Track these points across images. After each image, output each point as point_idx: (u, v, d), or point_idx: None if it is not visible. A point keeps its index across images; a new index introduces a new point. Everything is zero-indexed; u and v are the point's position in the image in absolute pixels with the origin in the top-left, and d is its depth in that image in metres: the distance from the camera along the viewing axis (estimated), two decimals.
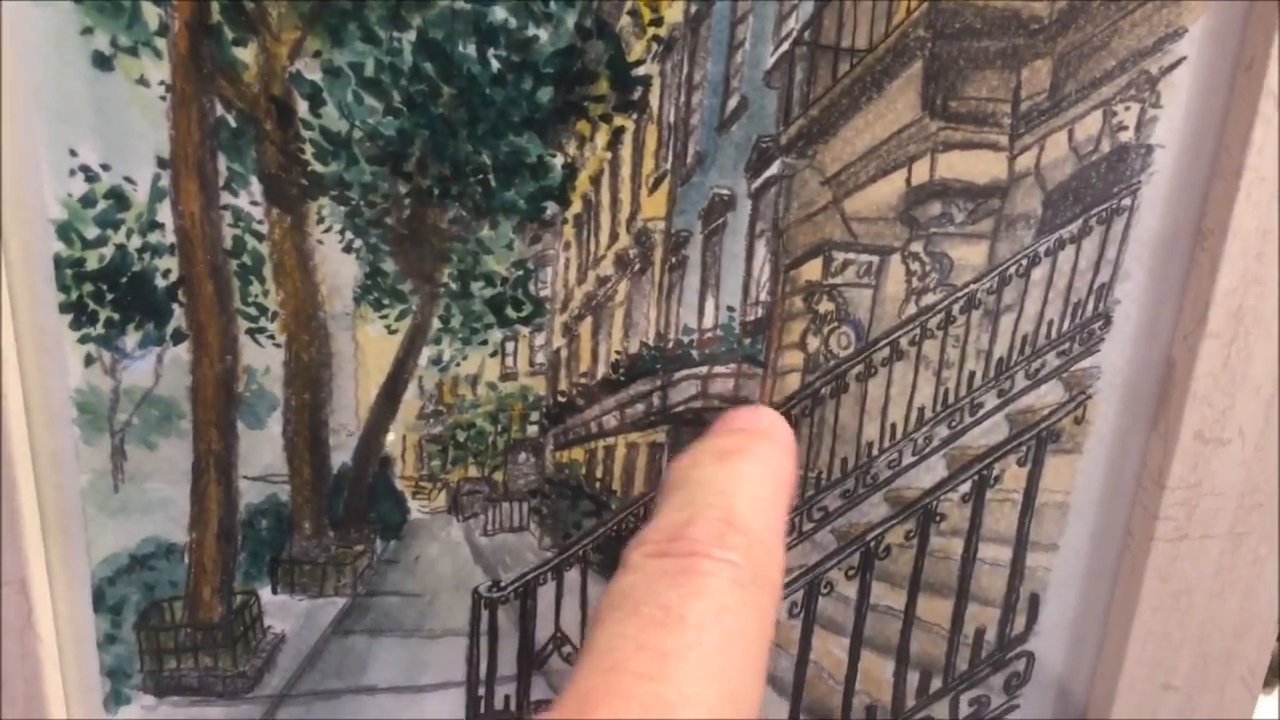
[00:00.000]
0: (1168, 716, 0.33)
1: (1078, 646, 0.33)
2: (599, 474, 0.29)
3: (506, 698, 0.31)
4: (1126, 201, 0.28)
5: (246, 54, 0.24)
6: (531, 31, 0.25)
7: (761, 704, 0.22)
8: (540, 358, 0.28)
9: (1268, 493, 0.30)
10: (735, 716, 0.20)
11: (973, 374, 0.29)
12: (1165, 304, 0.29)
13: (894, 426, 0.30)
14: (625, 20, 0.25)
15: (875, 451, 0.30)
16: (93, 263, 0.25)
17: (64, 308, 0.25)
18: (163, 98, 0.24)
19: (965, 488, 0.31)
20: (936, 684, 0.33)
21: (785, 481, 0.24)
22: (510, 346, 0.28)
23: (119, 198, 0.25)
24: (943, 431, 0.30)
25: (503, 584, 0.30)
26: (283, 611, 0.29)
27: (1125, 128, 0.27)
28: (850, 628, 0.32)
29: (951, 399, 0.29)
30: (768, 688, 0.32)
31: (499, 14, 0.24)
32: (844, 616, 0.32)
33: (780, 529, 0.24)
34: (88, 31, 0.23)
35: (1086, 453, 0.31)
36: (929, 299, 0.28)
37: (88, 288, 0.25)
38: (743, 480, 0.23)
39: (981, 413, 0.30)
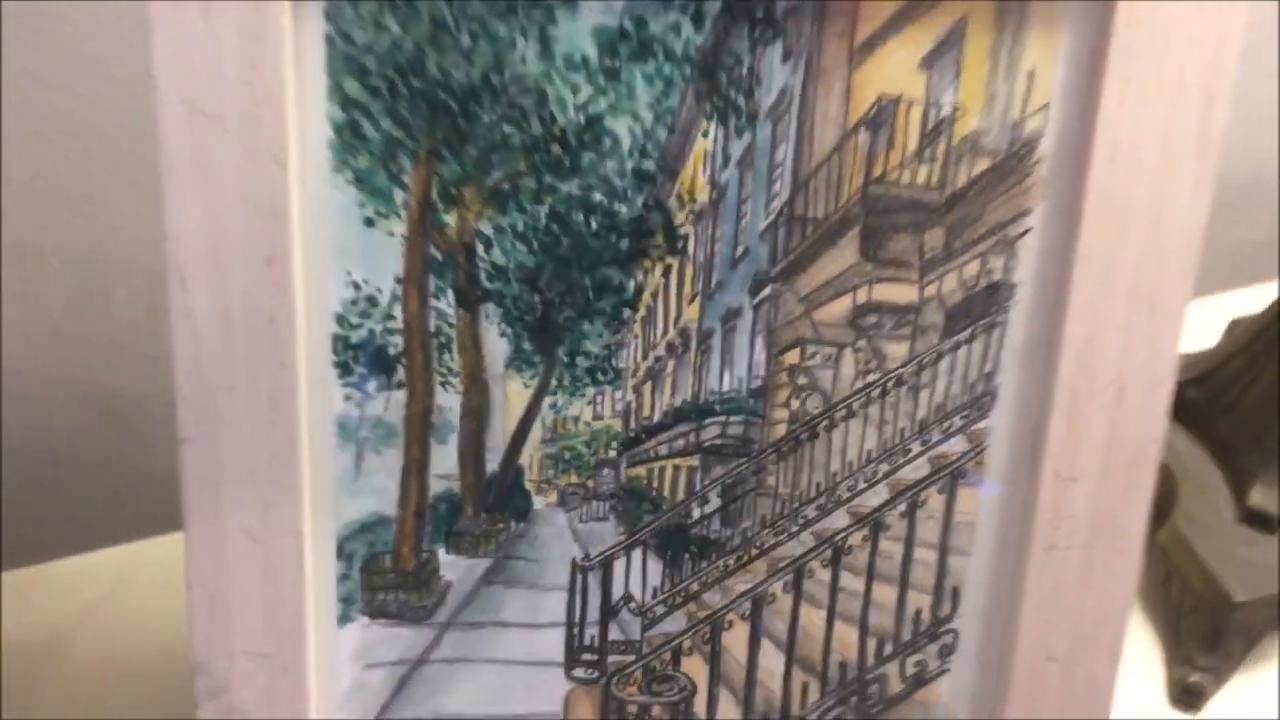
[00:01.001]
0: (1053, 682, 0.46)
1: (988, 627, 0.46)
2: (655, 484, 0.45)
3: (592, 636, 0.46)
4: (1001, 318, 0.43)
5: (450, 218, 0.41)
6: (617, 207, 0.41)
7: None
8: (618, 407, 0.44)
9: (1110, 516, 0.44)
10: None
11: (903, 428, 0.44)
12: (1031, 386, 0.43)
13: (851, 463, 0.44)
14: (673, 201, 0.41)
15: (839, 479, 0.45)
16: (354, 339, 0.42)
17: (335, 365, 0.42)
18: (400, 243, 0.41)
19: (902, 507, 0.45)
20: (889, 649, 0.47)
21: None
22: (600, 399, 0.44)
23: (371, 300, 0.42)
24: (884, 467, 0.45)
25: (591, 556, 0.45)
26: (451, 566, 0.45)
27: (995, 271, 0.42)
28: (827, 603, 0.46)
29: (889, 445, 0.44)
30: (768, 644, 0.47)
31: (597, 197, 0.41)
32: (822, 595, 0.46)
33: None
34: (362, 205, 0.41)
35: (985, 487, 0.45)
36: (871, 378, 0.43)
37: (350, 354, 0.42)
38: None
39: (910, 456, 0.44)
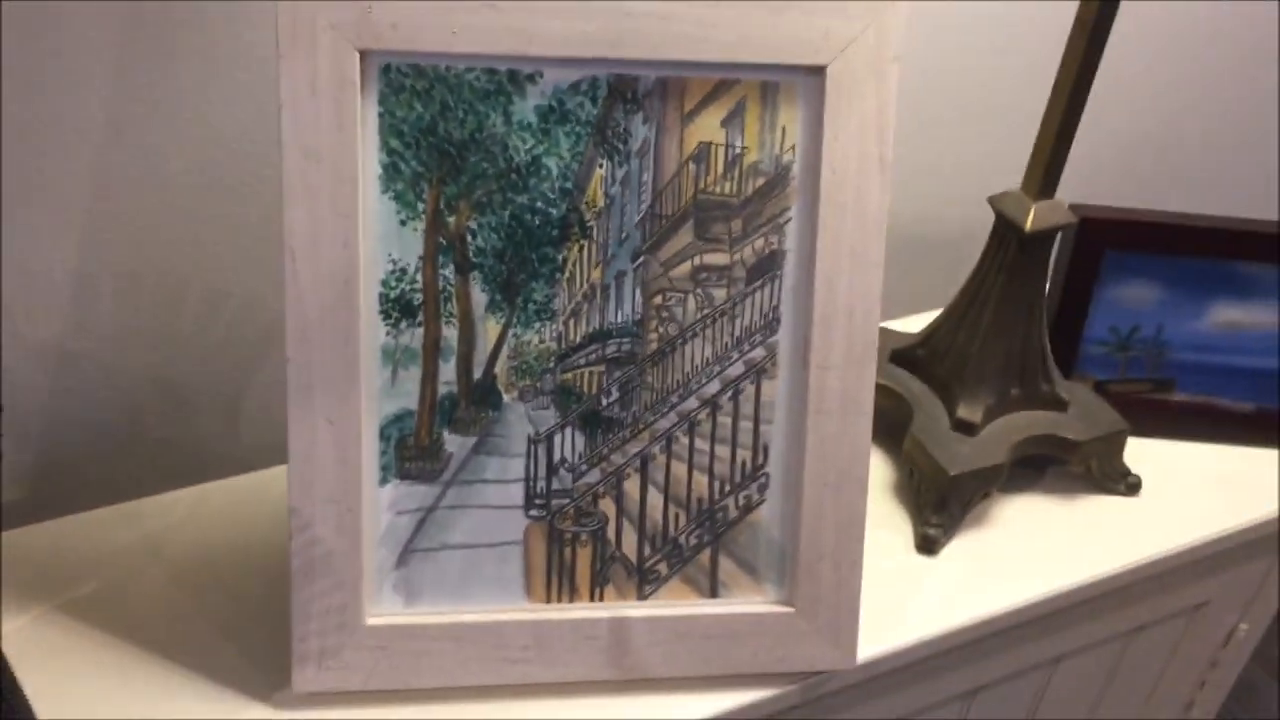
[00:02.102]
0: (828, 502, 0.74)
1: (787, 469, 0.74)
2: (579, 384, 0.72)
3: (541, 487, 0.73)
4: (779, 272, 0.72)
5: (451, 219, 0.69)
6: (551, 211, 0.69)
7: None
8: (554, 334, 0.71)
9: (854, 392, 0.73)
10: None
11: (726, 343, 0.73)
12: (800, 314, 0.72)
13: (696, 366, 0.73)
14: (584, 206, 0.70)
15: (690, 377, 0.73)
16: (392, 296, 0.69)
17: (379, 312, 0.69)
18: (421, 235, 0.68)
19: (729, 394, 0.73)
20: (727, 488, 0.74)
21: None
22: (543, 331, 0.71)
23: (403, 271, 0.69)
24: (716, 368, 0.73)
25: (540, 433, 0.72)
26: (452, 442, 0.71)
27: (773, 244, 0.72)
28: (687, 459, 0.74)
29: (719, 354, 0.73)
30: (652, 488, 0.74)
31: (540, 204, 0.69)
32: (684, 454, 0.74)
33: None
34: (399, 212, 0.68)
35: (779, 378, 0.74)
36: (705, 312, 0.72)
37: (389, 305, 0.69)
38: None
39: (731, 361, 0.73)
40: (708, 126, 0.70)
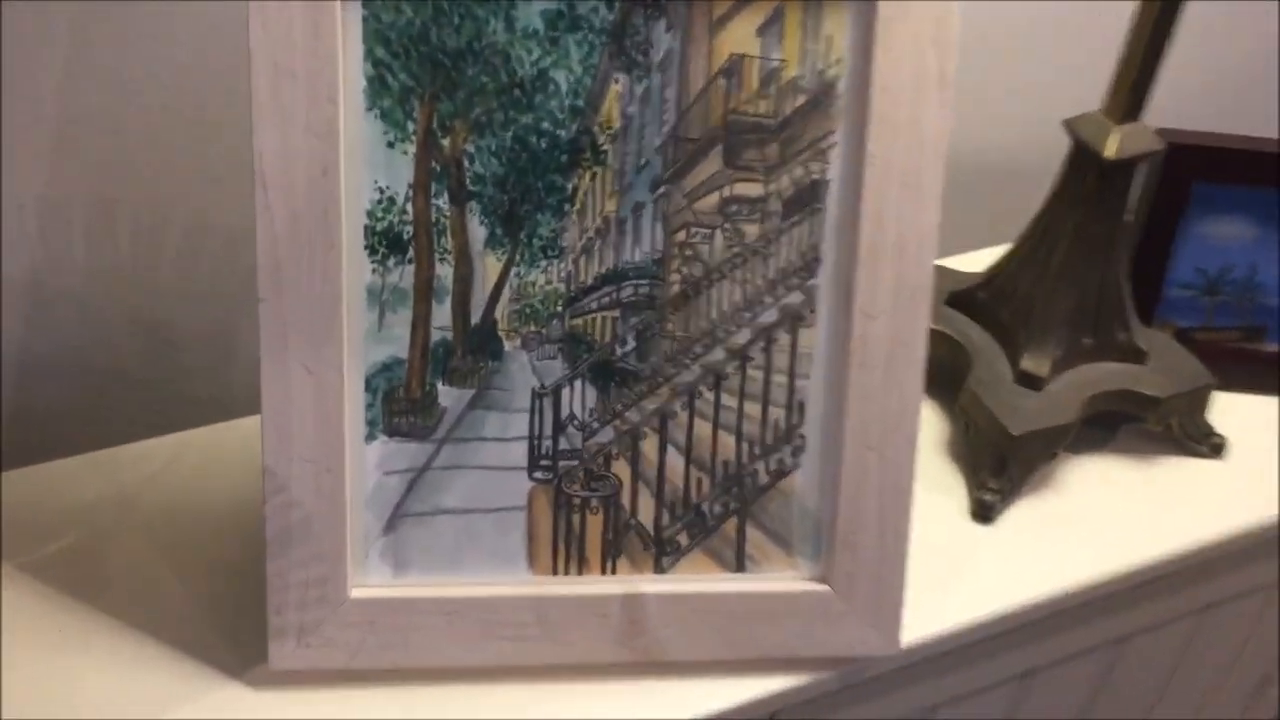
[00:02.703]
0: (871, 466, 0.66)
1: (825, 430, 0.66)
2: (589, 331, 0.64)
3: (547, 446, 0.65)
4: (819, 206, 0.63)
5: (446, 141, 0.60)
6: (559, 132, 0.61)
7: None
8: (563, 274, 0.63)
9: (903, 342, 0.64)
10: None
11: (759, 286, 0.64)
12: (843, 252, 0.63)
13: (724, 312, 0.64)
14: (596, 128, 0.61)
15: (716, 324, 0.64)
16: (379, 228, 0.60)
17: (365, 247, 0.61)
18: (411, 159, 0.60)
19: (761, 344, 0.65)
20: (757, 451, 0.66)
21: None
22: (550, 270, 0.63)
23: (391, 200, 0.60)
24: (748, 315, 0.64)
25: (545, 386, 0.64)
26: (446, 395, 0.63)
27: (815, 173, 0.62)
28: (712, 418, 0.66)
29: (750, 299, 0.64)
30: (672, 449, 0.66)
31: (546, 125, 0.60)
32: (709, 411, 0.65)
33: None
34: (386, 133, 0.59)
35: (818, 327, 0.65)
36: (735, 250, 0.63)
37: (375, 239, 0.61)
38: None
39: (765, 306, 0.64)
40: (741, 36, 0.60)
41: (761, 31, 0.60)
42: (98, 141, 0.73)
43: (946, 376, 0.82)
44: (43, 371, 0.78)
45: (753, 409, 0.66)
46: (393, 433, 0.64)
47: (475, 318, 0.63)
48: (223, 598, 0.69)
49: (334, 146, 0.58)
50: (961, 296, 0.86)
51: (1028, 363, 0.81)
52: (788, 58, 0.61)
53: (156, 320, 0.80)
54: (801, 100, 0.61)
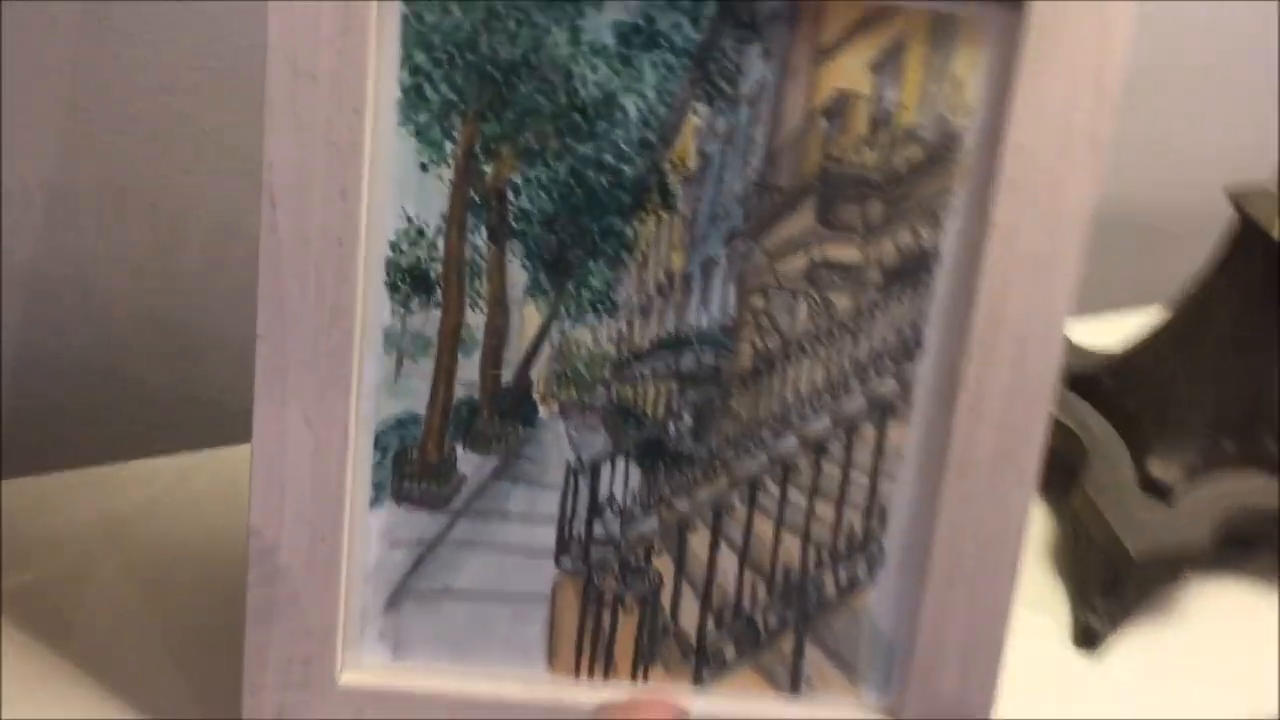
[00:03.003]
0: (961, 593, 0.55)
1: (909, 543, 0.56)
2: (640, 402, 0.54)
3: (579, 531, 0.55)
4: (927, 278, 0.52)
5: (489, 168, 0.51)
6: (623, 167, 0.51)
7: None
8: (613, 335, 0.53)
9: (1012, 450, 0.54)
10: None
11: (845, 368, 0.54)
12: (951, 337, 0.53)
13: (801, 394, 0.54)
14: (668, 165, 0.51)
15: (790, 407, 0.54)
16: (403, 263, 0.51)
17: (386, 284, 0.52)
18: (448, 186, 0.51)
19: (842, 435, 0.55)
20: (826, 558, 0.56)
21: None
22: (598, 328, 0.53)
23: (419, 232, 0.51)
24: (829, 400, 0.54)
25: (583, 461, 0.55)
26: (467, 461, 0.54)
27: (924, 239, 0.52)
28: (776, 515, 0.56)
29: (833, 381, 0.54)
30: (726, 547, 0.56)
31: (608, 158, 0.51)
32: (772, 507, 0.55)
33: None
34: (420, 153, 0.50)
35: (911, 421, 0.54)
36: (820, 322, 0.53)
37: (399, 275, 0.52)
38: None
39: (850, 391, 0.54)
40: (850, 70, 0.50)
41: (876, 67, 0.50)
42: (112, 125, 0.65)
43: (1058, 471, 0.71)
44: (46, 371, 0.71)
45: (825, 510, 0.55)
46: (402, 499, 0.55)
47: (507, 376, 0.54)
48: (201, 655, 0.60)
49: (357, 164, 0.49)
50: (1083, 378, 0.75)
51: (1156, 467, 0.69)
52: (905, 101, 0.50)
53: (175, 322, 0.72)
54: (917, 153, 0.51)
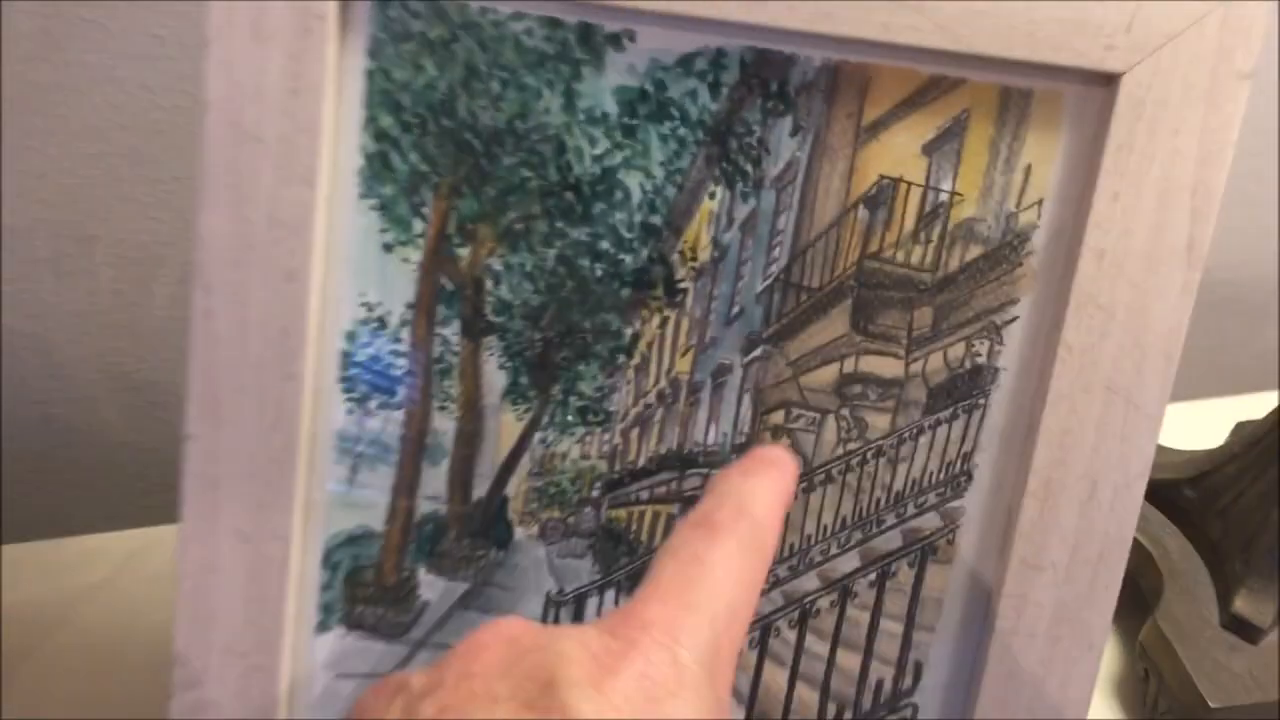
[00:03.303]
0: None
1: (947, 705, 0.47)
2: (634, 529, 0.46)
3: None
4: (982, 401, 0.44)
5: (464, 252, 0.43)
6: (622, 256, 0.43)
7: (749, 621, 0.36)
8: (605, 448, 0.45)
9: (1075, 609, 0.45)
10: (731, 619, 0.34)
11: (879, 499, 0.45)
12: (1007, 471, 0.44)
13: (825, 527, 0.46)
14: (676, 256, 0.43)
15: (812, 542, 0.46)
16: (360, 357, 0.44)
17: (340, 380, 0.44)
18: (414, 270, 0.43)
19: (872, 577, 0.46)
20: (848, 716, 0.48)
21: (785, 492, 0.38)
22: (588, 439, 0.45)
23: (381, 322, 0.44)
24: (858, 535, 0.46)
25: (565, 591, 0.47)
26: (430, 586, 0.47)
27: (980, 355, 0.43)
28: (790, 663, 0.47)
29: (864, 513, 0.45)
30: (733, 699, 0.48)
31: (604, 245, 0.43)
32: (786, 654, 0.47)
33: (776, 520, 0.37)
34: (383, 231, 0.43)
35: (955, 565, 0.46)
36: (851, 446, 0.45)
37: (354, 370, 0.44)
38: (755, 487, 0.38)
39: (884, 526, 0.46)
40: (898, 151, 0.42)
41: (930, 149, 0.42)
42: (69, 165, 0.58)
43: (1127, 595, 0.62)
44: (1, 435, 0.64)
45: (848, 660, 0.47)
46: (354, 625, 0.47)
47: (480, 491, 0.46)
48: None
49: (306, 243, 0.42)
50: (1163, 485, 0.66)
51: (1243, 604, 0.60)
52: (964, 190, 0.42)
53: (142, 380, 0.65)
54: (976, 252, 0.42)
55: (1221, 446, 0.65)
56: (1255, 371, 0.83)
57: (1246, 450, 0.62)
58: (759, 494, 0.37)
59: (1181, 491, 0.65)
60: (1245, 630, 0.59)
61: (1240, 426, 0.68)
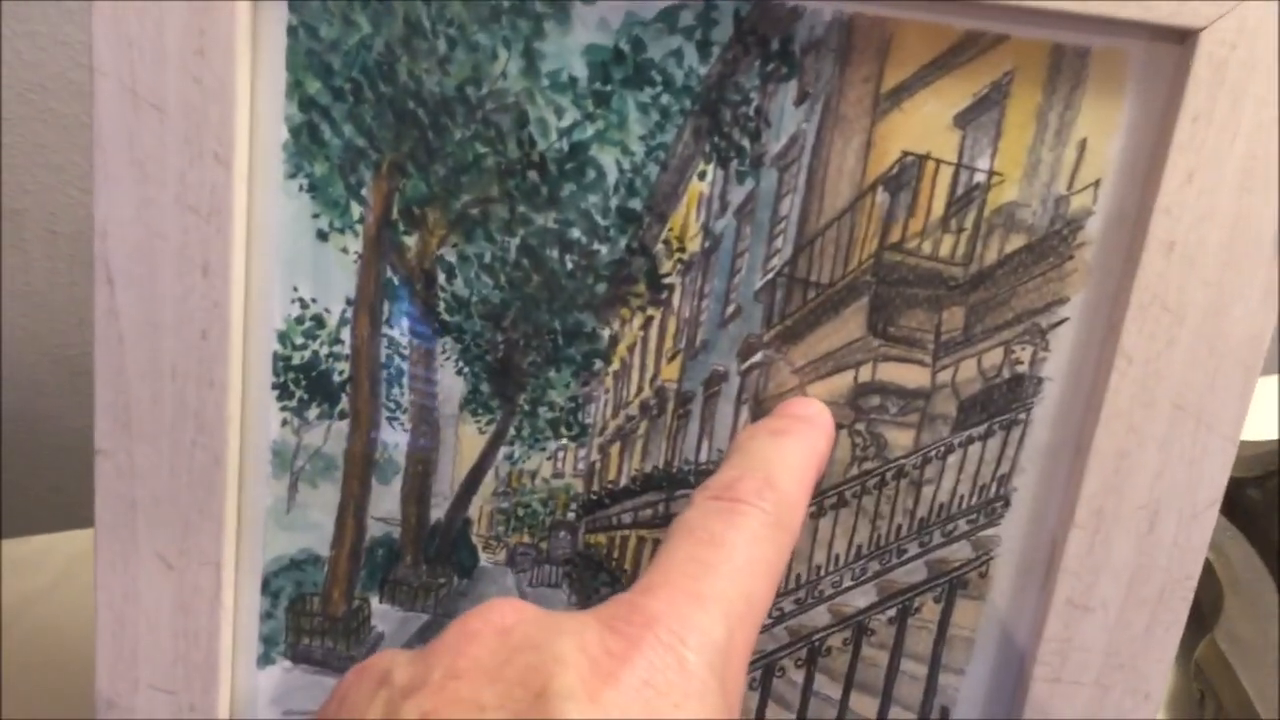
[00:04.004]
0: None
1: None
2: (615, 555, 0.40)
3: None
4: (1022, 416, 0.37)
5: (411, 240, 0.37)
6: (596, 246, 0.37)
7: (765, 615, 0.31)
8: (581, 465, 0.39)
9: (1129, 655, 0.39)
10: (748, 611, 0.30)
11: (900, 526, 0.39)
12: (1051, 496, 0.38)
13: (837, 556, 0.39)
14: (660, 246, 0.37)
15: (822, 573, 0.40)
16: (296, 360, 0.38)
17: (274, 386, 0.38)
18: (354, 261, 0.37)
19: (891, 612, 0.40)
20: None
21: (818, 456, 0.34)
22: (561, 454, 0.39)
23: (319, 320, 0.38)
24: (875, 566, 0.40)
25: None
26: (384, 617, 0.41)
27: (1021, 363, 0.37)
28: (797, 708, 0.42)
29: (883, 542, 0.39)
30: None
31: (575, 233, 0.36)
32: (792, 697, 0.41)
33: (806, 492, 0.33)
34: (316, 216, 0.36)
35: (988, 601, 0.39)
36: (868, 465, 0.38)
37: (291, 375, 0.38)
38: (784, 452, 0.33)
39: (905, 557, 0.39)
40: (925, 122, 0.35)
41: (964, 120, 0.35)
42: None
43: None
44: None
45: (864, 705, 0.41)
46: (300, 659, 0.41)
47: (438, 512, 0.40)
48: None
49: (223, 231, 0.36)
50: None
51: None
52: (1004, 170, 0.35)
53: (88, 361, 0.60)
54: (1018, 243, 0.35)
55: None
56: None
57: None
58: (790, 460, 0.33)
59: (1245, 491, 0.58)
60: None
61: None
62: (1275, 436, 0.60)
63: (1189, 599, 0.38)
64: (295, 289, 0.37)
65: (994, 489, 0.38)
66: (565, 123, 0.35)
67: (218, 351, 0.37)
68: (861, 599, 0.40)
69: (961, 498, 0.38)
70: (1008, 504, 0.38)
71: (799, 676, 0.41)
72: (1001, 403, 0.37)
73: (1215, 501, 0.36)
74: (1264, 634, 0.54)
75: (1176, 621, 0.38)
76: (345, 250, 0.37)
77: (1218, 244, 0.34)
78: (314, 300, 0.37)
